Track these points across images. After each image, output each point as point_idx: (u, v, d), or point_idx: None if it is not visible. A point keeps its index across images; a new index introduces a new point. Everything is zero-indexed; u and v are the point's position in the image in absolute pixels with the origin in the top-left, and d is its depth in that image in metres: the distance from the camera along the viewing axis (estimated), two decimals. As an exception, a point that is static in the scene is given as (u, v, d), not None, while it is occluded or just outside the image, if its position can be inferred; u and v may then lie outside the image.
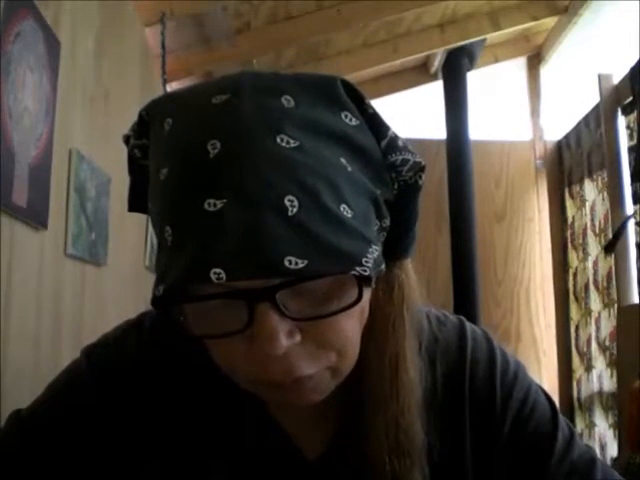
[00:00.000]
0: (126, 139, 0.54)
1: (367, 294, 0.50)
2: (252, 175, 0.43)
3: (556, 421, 0.60)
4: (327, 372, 0.50)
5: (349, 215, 0.45)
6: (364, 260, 0.45)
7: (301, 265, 0.42)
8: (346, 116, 0.49)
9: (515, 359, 0.63)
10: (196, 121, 0.47)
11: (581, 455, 0.59)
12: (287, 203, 0.43)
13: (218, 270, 0.41)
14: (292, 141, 0.45)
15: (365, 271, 0.44)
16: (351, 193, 0.46)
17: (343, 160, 0.47)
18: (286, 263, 0.42)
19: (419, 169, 0.54)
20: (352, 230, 0.45)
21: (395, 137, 0.52)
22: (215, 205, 0.43)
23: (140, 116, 0.52)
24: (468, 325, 0.64)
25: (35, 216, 1.28)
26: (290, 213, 0.43)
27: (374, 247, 0.47)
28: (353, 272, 0.44)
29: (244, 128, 0.45)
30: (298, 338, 0.46)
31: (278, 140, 0.45)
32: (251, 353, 0.46)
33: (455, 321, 0.64)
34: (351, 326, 0.49)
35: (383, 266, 0.50)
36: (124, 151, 0.55)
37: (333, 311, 0.46)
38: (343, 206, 0.45)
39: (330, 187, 0.45)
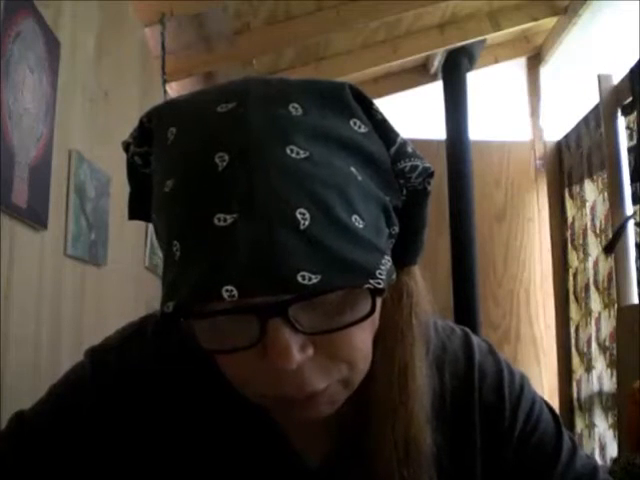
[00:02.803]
0: (126, 146, 0.52)
1: (379, 304, 0.49)
2: (262, 188, 0.42)
3: (560, 432, 0.61)
4: (339, 385, 0.49)
5: (361, 226, 0.45)
6: (378, 272, 0.44)
7: (315, 280, 0.41)
8: (355, 123, 0.48)
9: (519, 371, 0.63)
10: (202, 132, 0.45)
11: (584, 465, 0.60)
12: (299, 216, 0.42)
13: (230, 287, 0.41)
14: (302, 152, 0.44)
15: (379, 283, 0.44)
16: (362, 203, 0.46)
17: (353, 169, 0.46)
18: (299, 278, 0.41)
19: (428, 175, 0.53)
20: (364, 241, 0.44)
21: (404, 143, 0.51)
22: (225, 220, 0.42)
23: (141, 123, 0.51)
24: (473, 337, 0.64)
25: (35, 216, 1.28)
26: (302, 227, 0.42)
27: (386, 257, 0.47)
28: (367, 285, 0.43)
29: (252, 139, 0.44)
30: (310, 352, 0.45)
31: (288, 151, 0.44)
32: (263, 368, 0.45)
33: (460, 333, 0.64)
34: (363, 338, 0.48)
35: (394, 275, 0.49)
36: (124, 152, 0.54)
37: (346, 324, 0.45)
38: (355, 217, 0.44)
39: (341, 198, 0.44)
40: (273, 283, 0.41)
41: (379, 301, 0.48)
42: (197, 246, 0.43)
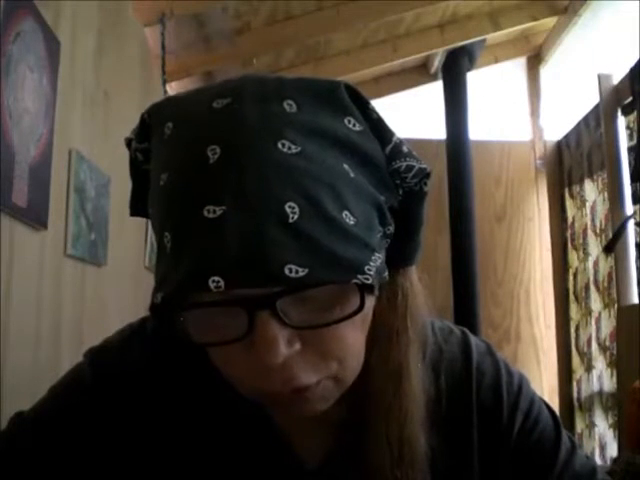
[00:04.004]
0: (128, 142, 0.53)
1: (370, 302, 0.49)
2: (252, 181, 0.43)
3: (558, 433, 0.61)
4: (329, 382, 0.49)
5: (351, 222, 0.45)
6: (366, 268, 0.44)
7: (301, 274, 0.41)
8: (349, 121, 0.48)
9: (518, 372, 0.63)
10: (196, 126, 0.46)
11: (583, 465, 0.60)
12: (288, 210, 0.42)
13: (217, 278, 0.41)
14: (293, 147, 0.44)
15: (367, 279, 0.44)
16: (354, 200, 0.46)
17: (346, 166, 0.46)
18: (286, 272, 0.41)
19: (424, 175, 0.53)
20: (354, 237, 0.45)
21: (400, 143, 0.51)
22: (215, 212, 0.42)
23: (142, 119, 0.51)
24: (472, 337, 0.64)
25: (35, 216, 1.28)
26: (290, 220, 0.42)
27: (377, 255, 0.46)
28: (355, 281, 0.43)
29: (244, 133, 0.44)
30: (298, 346, 0.46)
31: (279, 146, 0.44)
32: (251, 361, 0.45)
33: (459, 333, 0.64)
34: (353, 335, 0.48)
35: (386, 274, 0.49)
36: (124, 151, 0.55)
37: (334, 319, 0.45)
38: (345, 213, 0.44)
39: (332, 193, 0.44)
40: (260, 275, 0.41)
41: (369, 298, 0.48)
42: (187, 237, 0.43)
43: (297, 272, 0.41)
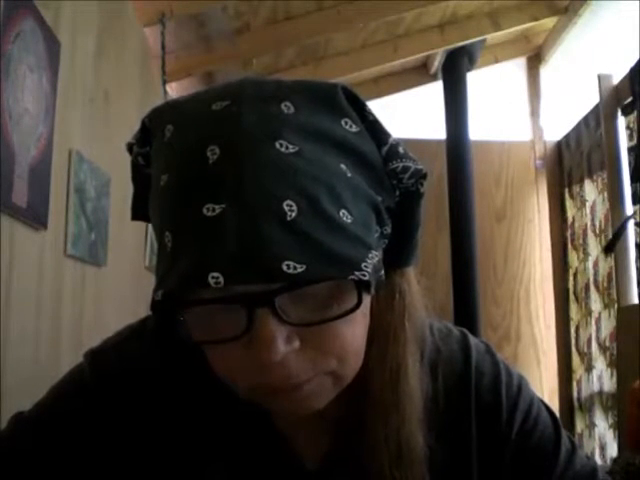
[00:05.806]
0: (129, 147, 0.54)
1: (367, 300, 0.50)
2: (251, 180, 0.43)
3: (558, 433, 0.61)
4: (328, 379, 0.49)
5: (349, 220, 0.45)
6: (363, 265, 0.45)
7: (299, 270, 0.42)
8: (346, 123, 0.49)
9: (517, 372, 0.63)
10: (196, 127, 0.47)
11: (583, 466, 0.60)
12: (286, 208, 0.43)
13: (216, 274, 0.42)
14: (291, 146, 0.45)
15: (364, 276, 0.44)
16: (351, 199, 0.46)
17: (343, 166, 0.47)
18: (284, 268, 0.42)
19: (420, 176, 0.53)
20: (351, 235, 0.45)
21: (396, 144, 0.52)
22: (214, 210, 0.43)
23: (143, 124, 0.52)
24: (471, 338, 0.64)
25: (35, 216, 1.28)
26: (289, 218, 0.43)
27: (374, 252, 0.47)
28: (352, 277, 0.44)
29: (243, 133, 0.45)
30: (297, 344, 0.46)
31: (277, 145, 0.45)
32: (249, 359, 0.46)
33: (458, 334, 0.64)
34: (351, 332, 0.48)
35: (382, 272, 0.49)
36: (124, 151, 0.55)
37: (332, 316, 0.46)
38: (343, 211, 0.45)
39: (329, 192, 0.45)
40: (258, 271, 0.42)
41: (367, 297, 0.49)
42: (187, 235, 0.44)
43: (295, 268, 0.42)
